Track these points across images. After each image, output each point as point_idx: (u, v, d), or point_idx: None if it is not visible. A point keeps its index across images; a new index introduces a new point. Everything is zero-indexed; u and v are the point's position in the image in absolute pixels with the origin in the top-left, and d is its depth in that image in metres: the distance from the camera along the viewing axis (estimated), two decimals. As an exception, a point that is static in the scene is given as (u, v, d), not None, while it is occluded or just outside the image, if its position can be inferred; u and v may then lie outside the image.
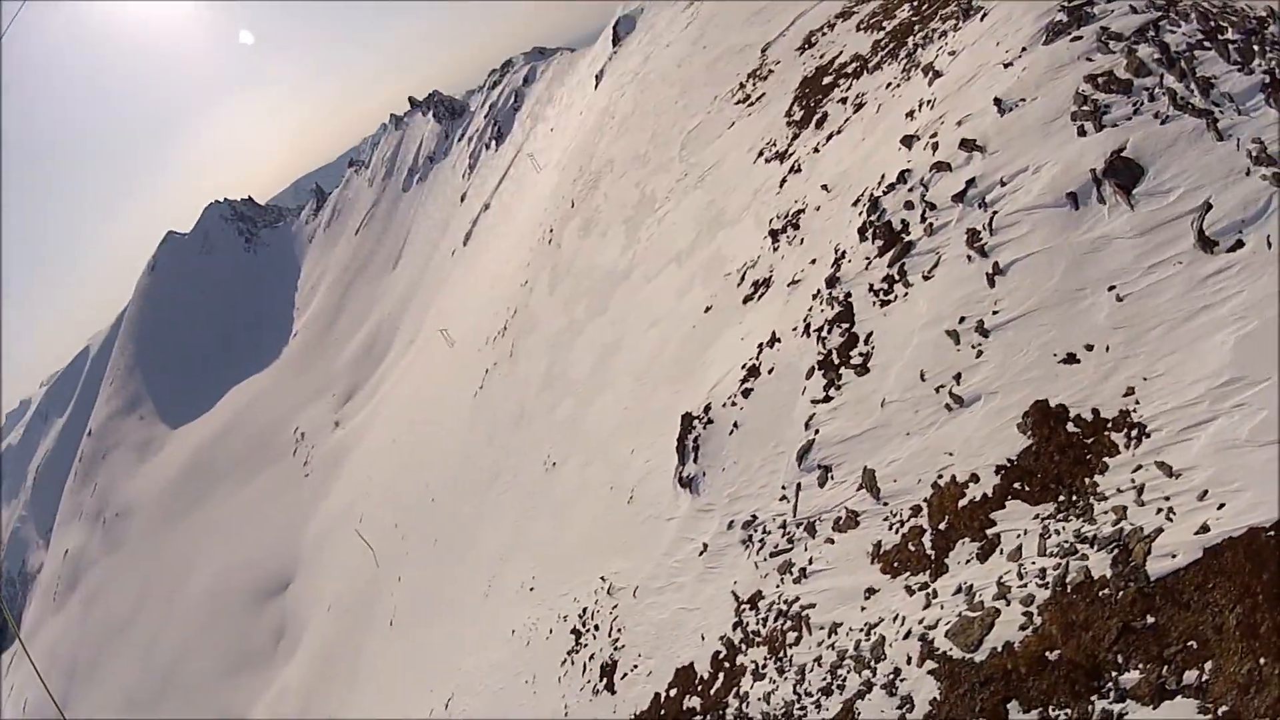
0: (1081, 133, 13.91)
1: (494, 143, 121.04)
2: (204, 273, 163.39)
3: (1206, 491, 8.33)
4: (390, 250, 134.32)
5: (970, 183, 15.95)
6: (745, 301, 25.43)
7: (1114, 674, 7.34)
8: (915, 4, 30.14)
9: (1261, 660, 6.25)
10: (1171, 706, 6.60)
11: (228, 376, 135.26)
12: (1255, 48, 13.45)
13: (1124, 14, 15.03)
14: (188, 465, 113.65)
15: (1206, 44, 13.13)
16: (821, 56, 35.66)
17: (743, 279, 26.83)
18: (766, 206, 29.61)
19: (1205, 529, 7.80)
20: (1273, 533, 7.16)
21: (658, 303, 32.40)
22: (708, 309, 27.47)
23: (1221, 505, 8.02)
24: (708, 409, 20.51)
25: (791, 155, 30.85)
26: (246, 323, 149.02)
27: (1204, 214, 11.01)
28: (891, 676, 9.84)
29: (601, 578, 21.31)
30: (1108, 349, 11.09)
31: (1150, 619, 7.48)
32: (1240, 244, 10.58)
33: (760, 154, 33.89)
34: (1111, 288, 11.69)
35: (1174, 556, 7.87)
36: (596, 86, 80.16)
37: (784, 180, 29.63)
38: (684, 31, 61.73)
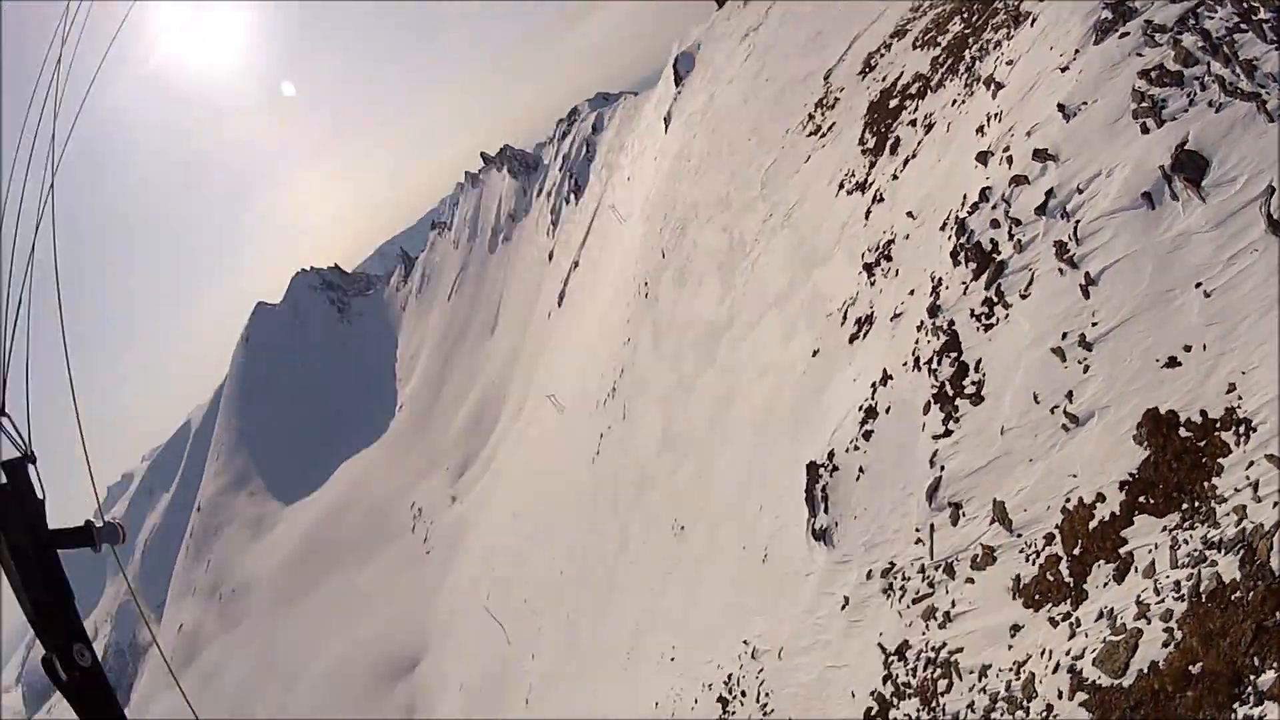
0: (1144, 130, 14.43)
1: (573, 196, 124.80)
2: (299, 344, 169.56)
3: None
4: (486, 315, 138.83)
5: (1049, 194, 16.60)
6: (851, 341, 26.19)
7: (1252, 677, 7.86)
8: (965, 15, 30.85)
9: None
10: (1307, 705, 7.10)
11: (334, 451, 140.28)
12: None
13: (1163, 5, 15.56)
14: (303, 542, 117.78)
15: (1243, 26, 13.56)
16: (884, 79, 36.53)
17: (845, 318, 27.62)
18: (856, 240, 30.43)
19: None
20: None
21: (764, 350, 33.38)
22: (815, 353, 28.28)
23: None
24: (831, 455, 21.23)
25: (872, 184, 31.67)
26: (348, 394, 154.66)
27: (1269, 198, 11.44)
28: (1045, 714, 10.42)
29: (744, 641, 21.92)
30: (1204, 347, 11.53)
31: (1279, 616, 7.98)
32: None
33: (841, 186, 34.81)
34: (1198, 284, 12.15)
35: None
36: (667, 129, 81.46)
37: (869, 211, 30.44)
38: (744, 65, 63.43)
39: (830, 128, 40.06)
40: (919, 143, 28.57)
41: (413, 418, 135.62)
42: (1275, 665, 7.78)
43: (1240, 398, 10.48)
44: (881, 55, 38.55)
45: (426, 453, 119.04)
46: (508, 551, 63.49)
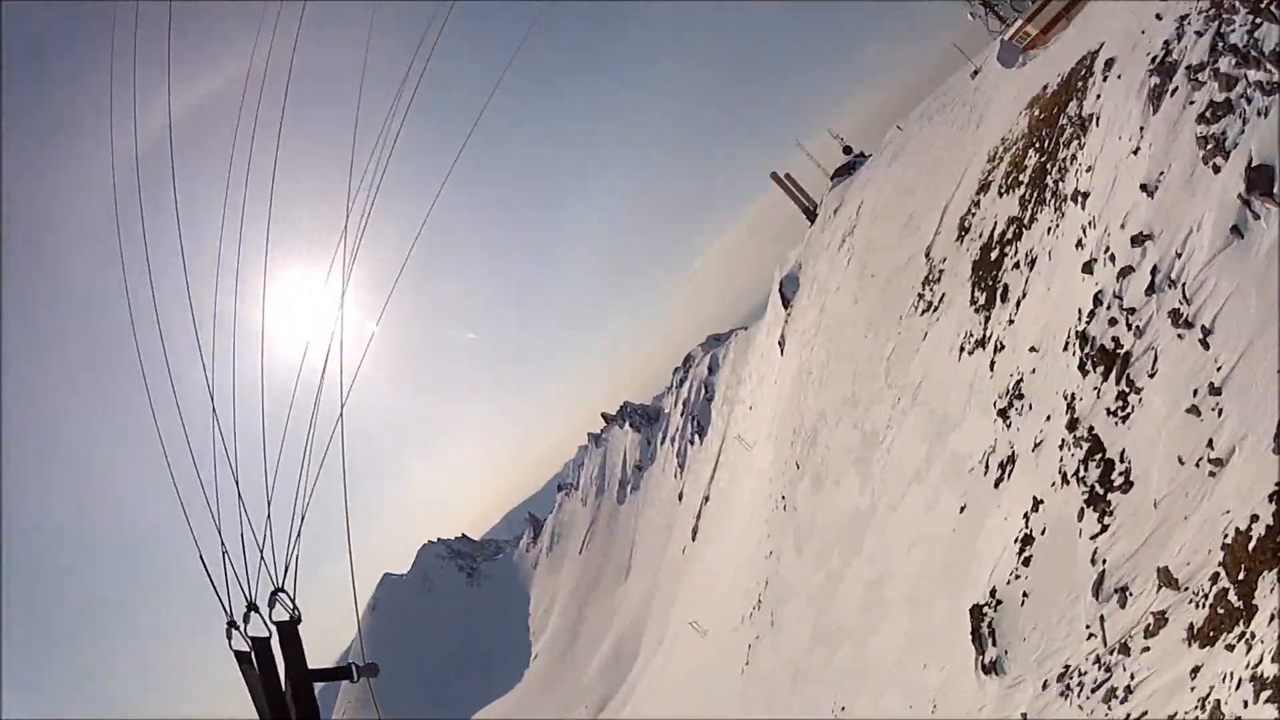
0: (1216, 170, 16.14)
1: (697, 437, 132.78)
2: (426, 610, 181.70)
3: None
4: (619, 562, 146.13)
5: (1154, 271, 18.05)
6: (996, 485, 26.91)
7: None
8: (1037, 145, 33.96)
9: None
10: None
11: (468, 706, 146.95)
12: None
13: (1193, 42, 17.79)
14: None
15: (1258, 21, 15.55)
16: (980, 235, 39.27)
17: (987, 468, 28.48)
18: (985, 394, 31.77)
19: None
20: None
21: (910, 524, 33.86)
22: (962, 509, 28.88)
23: None
24: (994, 593, 21.54)
25: (990, 337, 33.43)
26: (479, 654, 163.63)
27: None
28: (1233, 726, 10.67)
29: None
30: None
31: None
32: None
33: (962, 349, 36.63)
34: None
35: None
36: (783, 352, 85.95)
37: (993, 363, 32.02)
38: (847, 269, 67.65)
39: (941, 300, 42.51)
40: (1026, 281, 30.59)
41: (547, 666, 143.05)
42: None
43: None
44: (973, 215, 41.48)
45: (563, 696, 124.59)
46: None
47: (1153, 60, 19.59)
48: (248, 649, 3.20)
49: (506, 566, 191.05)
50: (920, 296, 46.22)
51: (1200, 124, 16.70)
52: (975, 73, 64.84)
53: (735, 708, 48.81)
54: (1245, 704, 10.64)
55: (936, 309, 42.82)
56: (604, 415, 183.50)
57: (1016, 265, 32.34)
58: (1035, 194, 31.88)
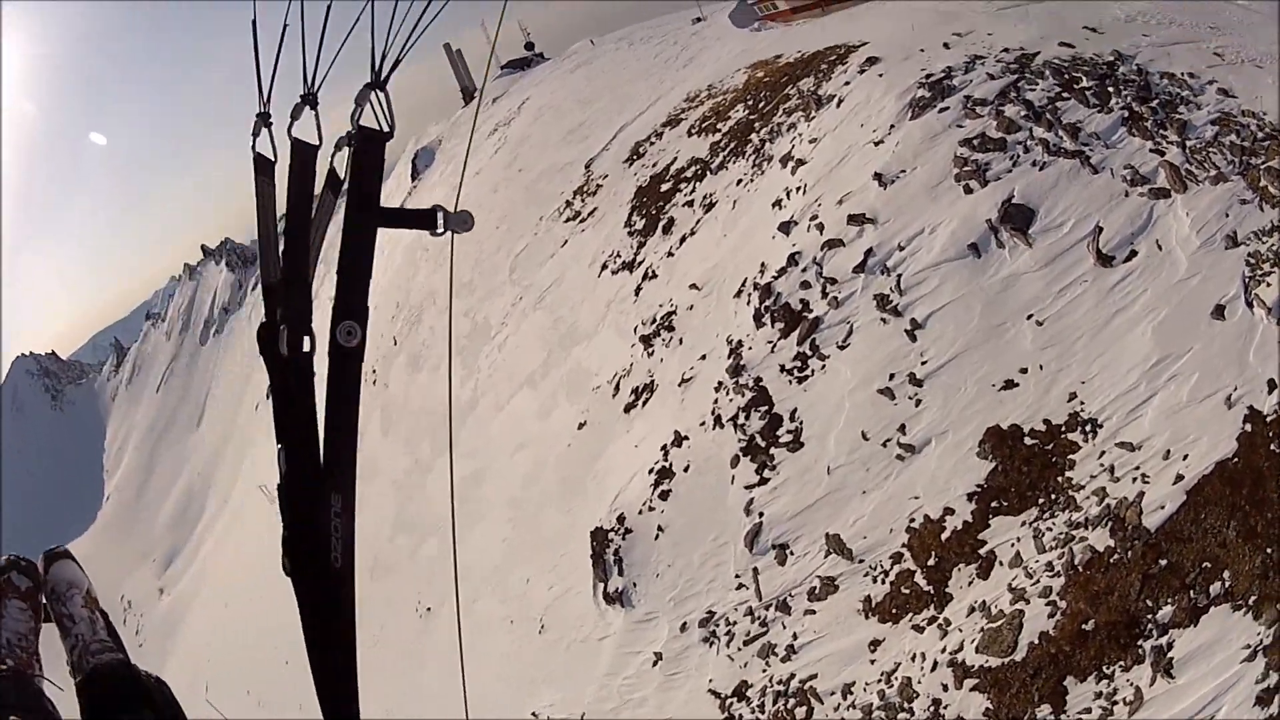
0: (968, 190, 17.38)
1: None
2: (15, 432, 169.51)
3: (1169, 451, 11.17)
4: (193, 407, 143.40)
5: (868, 253, 19.03)
6: (627, 410, 27.37)
7: (1150, 616, 9.48)
8: (750, 103, 35.11)
9: (1269, 550, 8.69)
10: (1209, 618, 8.78)
11: (43, 543, 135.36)
12: (1110, 89, 17.85)
13: (983, 81, 19.19)
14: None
15: (1065, 95, 17.31)
16: (654, 165, 39.76)
17: (617, 389, 28.88)
18: (626, 316, 32.21)
19: (1180, 478, 10.52)
20: (1236, 459, 9.99)
21: (518, 427, 33.66)
22: (582, 425, 29.10)
23: (1186, 456, 10.85)
24: (621, 519, 21.74)
25: (642, 263, 33.95)
26: (57, 486, 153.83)
27: (1097, 236, 14.50)
28: (933, 708, 11.48)
29: (533, 714, 21.42)
30: (1041, 367, 13.98)
31: (1163, 561, 9.80)
32: (1134, 253, 14.21)
33: (604, 266, 36.86)
34: (1030, 315, 14.78)
35: (1163, 508, 10.45)
36: None
37: (639, 288, 32.52)
38: (493, 157, 65.60)
39: (591, 213, 42.46)
40: (698, 221, 31.33)
41: (119, 509, 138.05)
42: (1170, 600, 9.47)
43: (1083, 403, 12.82)
44: (651, 143, 41.93)
45: (135, 544, 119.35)
46: (225, 643, 61.33)
47: (927, 76, 20.53)
48: (271, 159, 2.30)
49: (89, 393, 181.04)
50: (568, 204, 45.83)
51: (964, 146, 17.75)
52: (698, 19, 65.48)
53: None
54: (945, 687, 11.39)
55: (584, 220, 42.70)
56: (203, 248, 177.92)
57: (690, 204, 32.98)
58: (734, 145, 32.66)
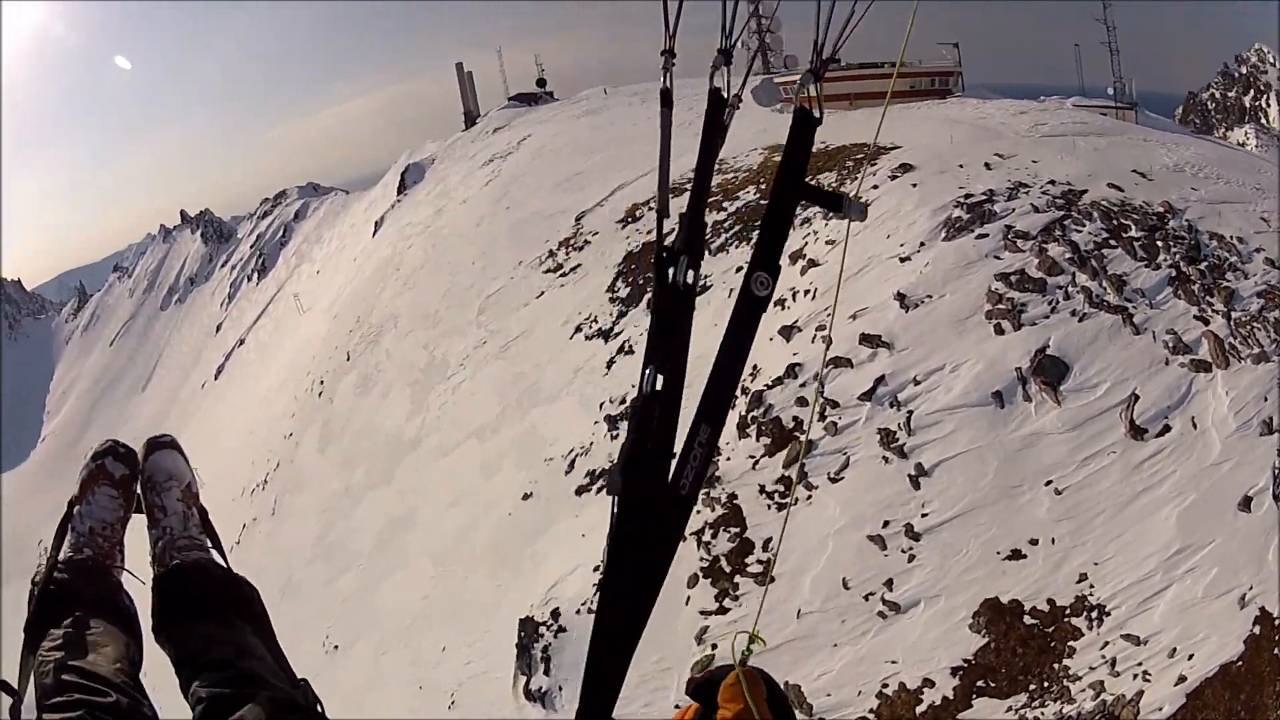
0: (999, 331, 17.05)
1: (256, 275, 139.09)
2: None
3: (1175, 649, 10.80)
4: (142, 369, 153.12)
5: (879, 381, 18.22)
6: (579, 493, 26.46)
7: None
8: (763, 187, 35.11)
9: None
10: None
11: None
12: (1159, 243, 17.78)
13: (1026, 213, 18.97)
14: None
15: (1113, 242, 17.22)
16: (649, 232, 39.52)
17: (571, 466, 28.00)
18: (593, 388, 31.52)
19: (1183, 679, 10.18)
20: (1240, 662, 9.70)
21: (459, 480, 32.57)
22: (527, 495, 28.05)
23: (1191, 656, 10.53)
24: (556, 614, 20.60)
25: (619, 334, 33.39)
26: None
27: (1133, 405, 14.26)
28: None
29: None
30: (1053, 541, 13.51)
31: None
32: (1167, 429, 13.92)
33: (579, 329, 36.25)
34: (1049, 481, 14.38)
35: (1161, 710, 10.04)
36: (375, 234, 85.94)
37: (612, 361, 31.88)
38: (484, 189, 65.65)
39: (574, 269, 41.99)
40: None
41: (51, 454, 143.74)
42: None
43: (1093, 586, 12.31)
44: (650, 208, 41.78)
45: (61, 492, 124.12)
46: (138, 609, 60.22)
47: (966, 196, 20.42)
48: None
49: (45, 330, 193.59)
50: (552, 254, 45.36)
51: (1000, 281, 17.50)
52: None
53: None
54: None
55: (566, 275, 42.22)
56: (183, 213, 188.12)
57: (682, 282, 32.71)
58: (739, 228, 32.45)
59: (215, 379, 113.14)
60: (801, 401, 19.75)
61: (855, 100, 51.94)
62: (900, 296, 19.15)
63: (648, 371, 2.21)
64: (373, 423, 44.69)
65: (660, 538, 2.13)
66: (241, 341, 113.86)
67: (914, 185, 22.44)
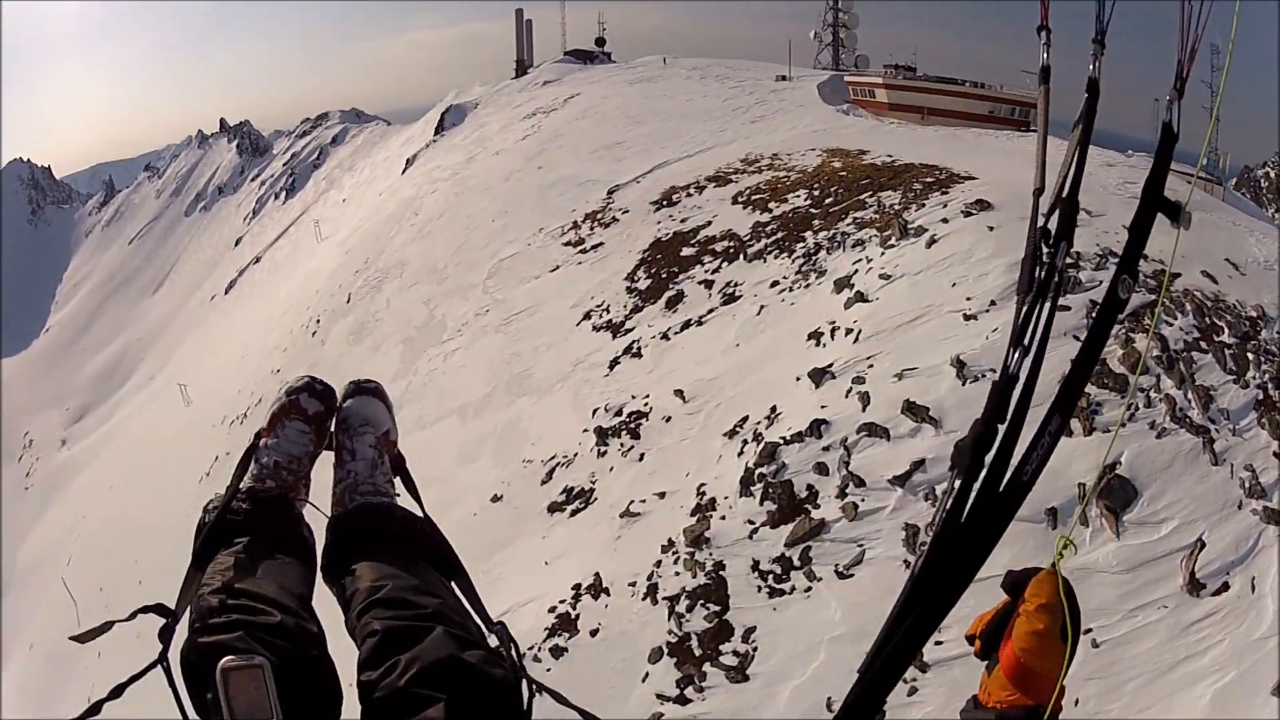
0: (1068, 431, 14.93)
1: (284, 194, 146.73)
2: None
3: None
4: (156, 273, 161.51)
5: (918, 465, 15.57)
6: (551, 510, 24.23)
7: None
8: (816, 194, 32.77)
9: None
10: None
11: None
12: (1250, 355, 15.35)
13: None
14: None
15: (1204, 345, 14.91)
16: (683, 221, 37.23)
17: (550, 475, 25.71)
18: (589, 388, 29.28)
19: None
20: None
21: (429, 459, 30.62)
22: (497, 498, 25.97)
23: None
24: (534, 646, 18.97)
25: (629, 331, 31.11)
26: (6, 298, 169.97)
27: (1197, 552, 12.04)
28: None
29: None
30: (1076, 703, 11.56)
31: None
32: (1226, 586, 11.66)
33: (588, 315, 34.06)
34: (1088, 630, 12.31)
35: None
36: (405, 170, 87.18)
37: (615, 362, 29.68)
38: (520, 143, 64.47)
39: (595, 247, 39.86)
40: (711, 310, 28.43)
41: (53, 345, 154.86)
42: None
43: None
44: (689, 195, 39.39)
45: (55, 385, 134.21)
46: (99, 523, 65.19)
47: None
48: None
49: (67, 220, 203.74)
50: (575, 226, 43.42)
51: (1087, 367, 15.37)
52: (781, 78, 65.50)
53: (181, 522, 43.46)
54: None
55: (586, 252, 40.20)
56: (222, 121, 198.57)
57: (709, 285, 30.19)
58: (782, 236, 30.03)
59: (225, 293, 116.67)
60: (822, 468, 17.50)
61: (929, 115, 50.38)
62: (959, 364, 16.77)
63: (1014, 353, 2.25)
64: (356, 373, 44.23)
65: (994, 520, 2.12)
66: (257, 259, 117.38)
67: (990, 229, 20.02)
